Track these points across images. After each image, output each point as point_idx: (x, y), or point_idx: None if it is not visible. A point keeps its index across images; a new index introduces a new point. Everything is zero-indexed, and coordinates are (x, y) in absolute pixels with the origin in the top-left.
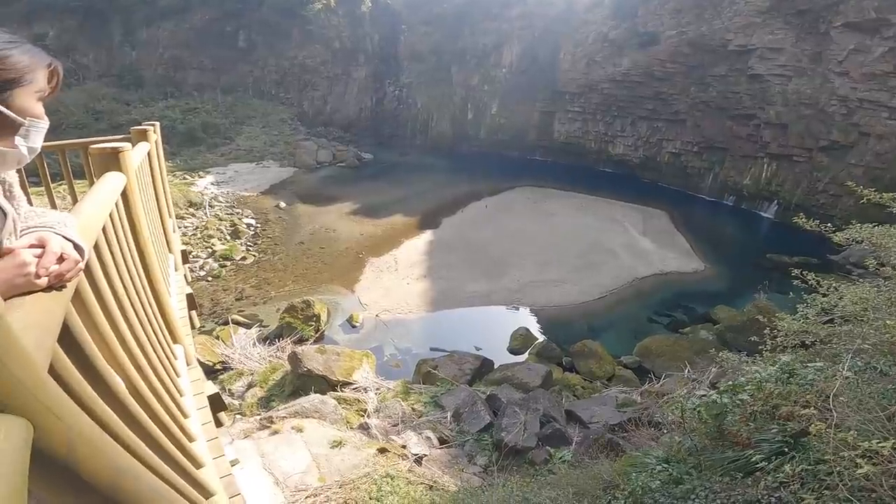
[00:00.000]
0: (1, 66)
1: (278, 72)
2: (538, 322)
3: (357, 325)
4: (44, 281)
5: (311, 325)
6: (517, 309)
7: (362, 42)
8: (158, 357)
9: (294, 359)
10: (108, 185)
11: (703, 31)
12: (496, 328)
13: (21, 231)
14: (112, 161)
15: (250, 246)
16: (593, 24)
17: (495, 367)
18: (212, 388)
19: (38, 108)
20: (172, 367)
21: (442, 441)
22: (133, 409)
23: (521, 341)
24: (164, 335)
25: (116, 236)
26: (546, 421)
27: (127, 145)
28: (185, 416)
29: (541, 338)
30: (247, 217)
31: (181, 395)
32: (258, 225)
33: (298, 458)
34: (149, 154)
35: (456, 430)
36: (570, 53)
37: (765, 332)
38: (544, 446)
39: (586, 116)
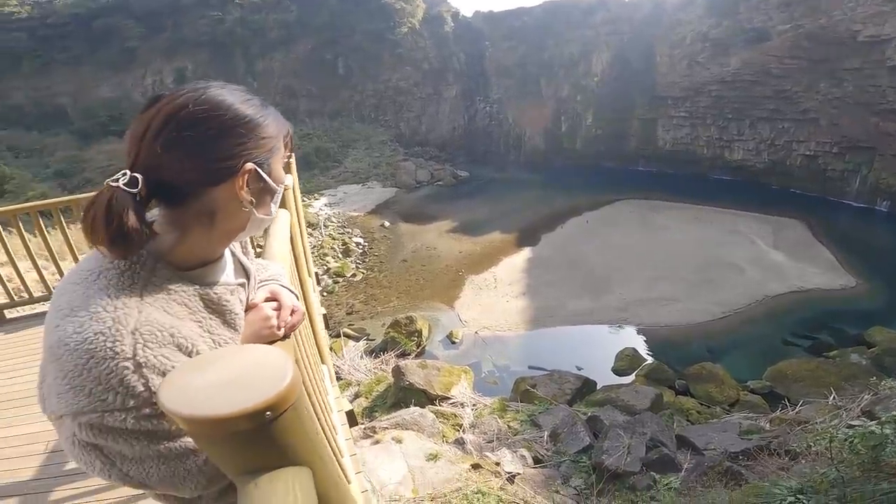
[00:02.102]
0: (263, 135)
1: (375, 95)
2: (647, 342)
3: (456, 341)
4: (281, 332)
5: (414, 340)
6: (622, 328)
7: (449, 61)
8: (316, 377)
9: (397, 372)
10: (283, 223)
11: (823, 22)
12: (599, 348)
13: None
14: None
15: (359, 263)
16: (688, 23)
17: (598, 387)
18: (347, 404)
19: (283, 174)
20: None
21: (537, 461)
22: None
23: (627, 362)
24: (316, 355)
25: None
26: (653, 446)
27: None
28: (335, 432)
29: (649, 359)
30: (356, 236)
31: (330, 412)
32: (366, 243)
33: (395, 468)
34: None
35: (552, 451)
36: (667, 56)
37: None
38: (648, 471)
39: (694, 121)
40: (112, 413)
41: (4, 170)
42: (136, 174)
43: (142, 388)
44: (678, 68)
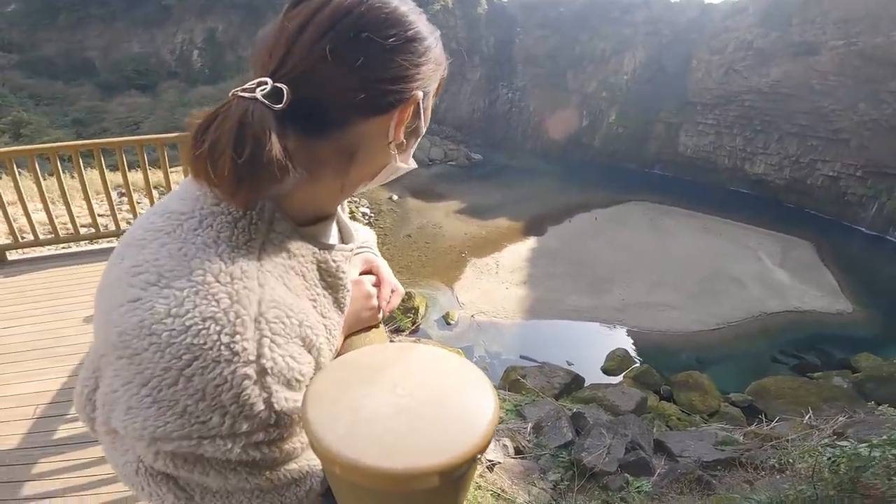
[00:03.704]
0: (436, 61)
1: None
2: (639, 346)
3: (452, 322)
4: (380, 315)
5: (409, 317)
6: (616, 328)
7: (478, 43)
8: None
9: None
10: None
11: (879, 42)
12: (592, 346)
13: None
14: None
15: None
16: (735, 31)
17: (586, 384)
18: None
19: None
20: None
21: (518, 451)
22: None
23: (617, 362)
24: None
25: None
26: (632, 448)
27: None
28: None
29: (639, 362)
30: (363, 206)
31: None
32: (372, 215)
33: None
34: None
35: (534, 443)
36: (705, 62)
37: None
38: (622, 473)
39: (720, 130)
40: (213, 440)
41: (23, 115)
42: (280, 85)
43: (262, 407)
44: (714, 75)
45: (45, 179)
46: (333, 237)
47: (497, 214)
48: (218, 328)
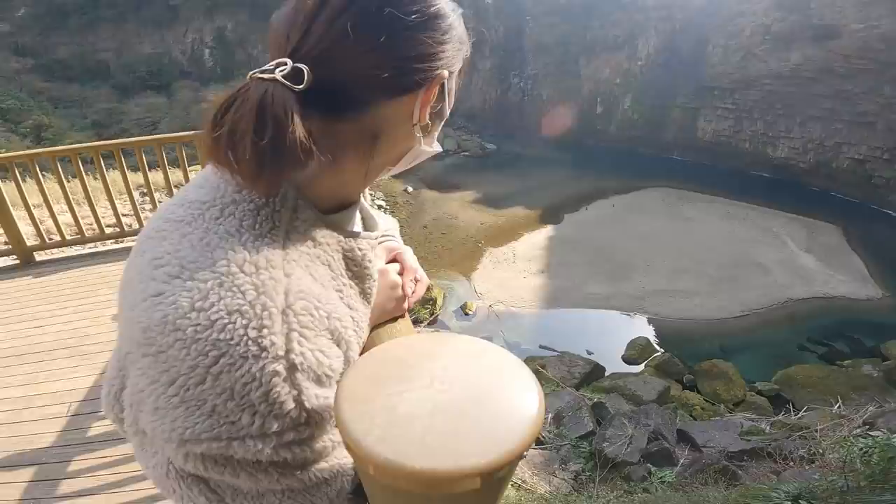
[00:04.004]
0: (461, 40)
1: None
2: (660, 334)
3: (470, 313)
4: (406, 306)
5: (427, 309)
6: (637, 316)
7: (487, 33)
8: None
9: None
10: None
11: None
12: (612, 334)
13: None
14: None
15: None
16: (751, 15)
17: (606, 374)
18: None
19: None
20: None
21: (538, 442)
22: None
23: (638, 351)
24: None
25: None
26: (654, 438)
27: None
28: None
29: (661, 350)
30: (379, 199)
31: None
32: (388, 207)
33: None
34: None
35: (554, 433)
36: (721, 47)
37: None
38: (645, 463)
39: (740, 114)
40: (243, 441)
41: (43, 119)
42: (300, 65)
43: (292, 405)
44: (732, 59)
45: (68, 181)
46: (357, 225)
47: (513, 203)
48: (245, 322)
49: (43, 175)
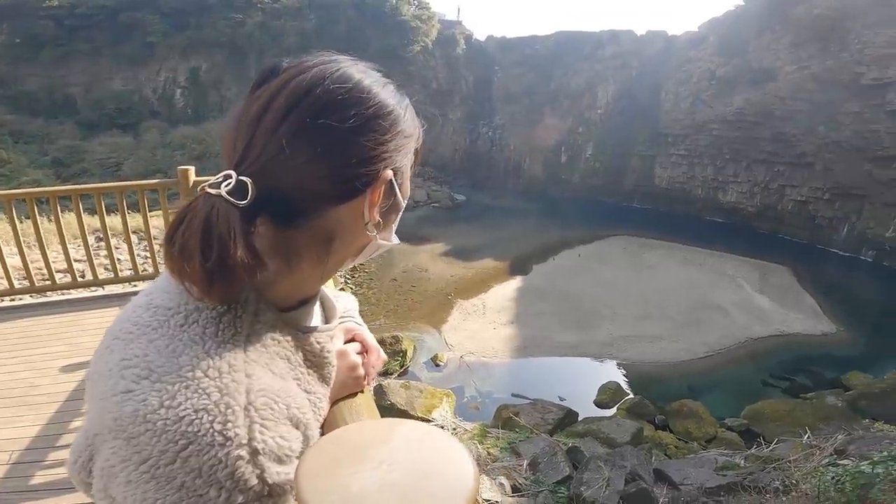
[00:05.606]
0: (405, 133)
1: None
2: (630, 377)
3: (441, 364)
4: (366, 383)
5: (398, 361)
6: (606, 362)
7: (458, 83)
8: None
9: (379, 391)
10: None
11: (829, 64)
12: (583, 380)
13: None
14: None
15: (348, 279)
16: (698, 61)
17: (579, 419)
18: None
19: (409, 188)
20: None
21: (515, 489)
22: None
23: (609, 395)
24: None
25: None
26: (631, 479)
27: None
28: None
29: (631, 393)
30: None
31: None
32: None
33: None
34: None
35: (531, 480)
36: (673, 93)
37: None
38: None
39: (692, 160)
40: None
41: (1, 154)
42: (244, 178)
43: (255, 482)
44: (682, 105)
45: (20, 222)
46: (317, 316)
47: (482, 255)
48: (210, 418)
49: None
